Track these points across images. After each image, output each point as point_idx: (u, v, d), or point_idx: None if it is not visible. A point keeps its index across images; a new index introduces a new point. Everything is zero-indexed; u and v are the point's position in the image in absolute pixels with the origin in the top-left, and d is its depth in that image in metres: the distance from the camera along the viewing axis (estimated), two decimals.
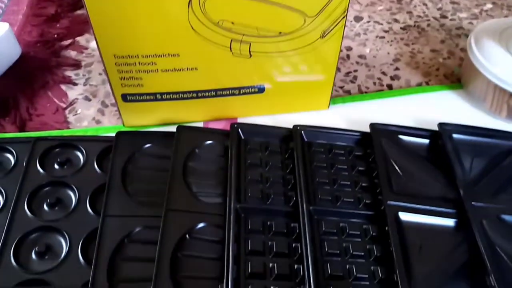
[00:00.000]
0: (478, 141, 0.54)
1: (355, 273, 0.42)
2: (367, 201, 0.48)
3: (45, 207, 0.46)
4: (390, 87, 0.65)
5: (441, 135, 0.53)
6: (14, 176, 0.49)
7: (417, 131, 0.55)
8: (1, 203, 0.46)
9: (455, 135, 0.54)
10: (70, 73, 0.65)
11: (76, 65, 0.66)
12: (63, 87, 0.63)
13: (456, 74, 0.67)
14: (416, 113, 0.60)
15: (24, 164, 0.49)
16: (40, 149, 0.50)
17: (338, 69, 0.66)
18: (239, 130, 0.52)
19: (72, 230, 0.44)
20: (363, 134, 0.54)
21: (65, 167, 0.50)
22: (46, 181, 0.48)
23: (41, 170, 0.49)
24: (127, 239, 0.43)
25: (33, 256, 0.43)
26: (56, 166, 0.50)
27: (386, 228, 0.45)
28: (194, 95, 0.53)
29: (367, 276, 0.42)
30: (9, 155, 0.51)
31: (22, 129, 0.57)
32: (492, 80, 0.57)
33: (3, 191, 0.47)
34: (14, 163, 0.50)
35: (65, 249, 0.43)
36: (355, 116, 0.59)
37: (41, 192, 0.47)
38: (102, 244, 0.42)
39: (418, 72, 0.67)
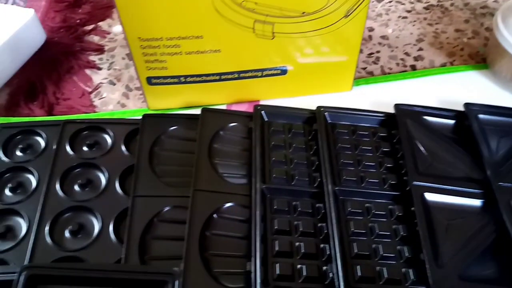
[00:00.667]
0: (505, 121, 0.54)
1: (381, 252, 0.42)
2: (392, 182, 0.48)
3: (77, 187, 0.48)
4: (413, 67, 0.64)
5: (467, 116, 0.53)
6: (45, 158, 0.50)
7: (442, 111, 0.54)
8: (35, 185, 0.48)
9: (481, 116, 0.53)
10: (94, 57, 0.66)
11: (100, 49, 0.67)
12: (87, 71, 0.64)
13: (481, 54, 0.66)
14: (440, 93, 0.59)
15: (54, 146, 0.50)
16: (69, 132, 0.51)
17: (360, 50, 0.65)
18: (262, 112, 0.53)
19: (103, 210, 0.45)
20: (387, 115, 0.54)
21: (94, 149, 0.51)
22: (76, 162, 0.49)
23: (71, 152, 0.50)
24: (156, 219, 0.45)
25: (67, 234, 0.44)
26: (85, 148, 0.51)
27: (412, 208, 0.45)
28: (217, 77, 0.54)
29: (393, 255, 0.42)
30: (39, 138, 0.52)
31: (50, 113, 0.58)
32: None
33: (35, 172, 0.49)
34: (45, 146, 0.51)
35: (97, 228, 0.44)
36: (378, 97, 0.59)
37: (72, 173, 0.48)
38: (133, 223, 0.44)
39: (442, 53, 0.66)
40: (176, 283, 0.38)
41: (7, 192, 0.48)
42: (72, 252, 0.43)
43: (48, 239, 0.43)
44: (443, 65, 0.64)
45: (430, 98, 0.58)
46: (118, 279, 0.38)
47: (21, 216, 0.46)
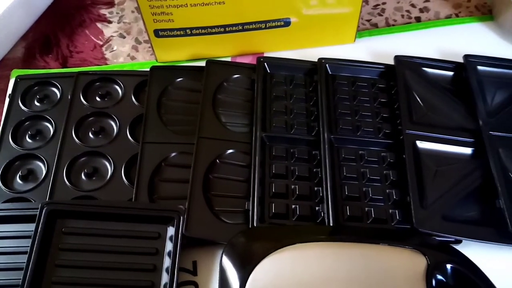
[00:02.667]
0: (504, 73, 0.54)
1: (370, 195, 0.45)
2: (386, 131, 0.50)
3: (90, 135, 0.51)
4: (418, 19, 0.64)
5: (466, 67, 0.54)
6: (61, 107, 0.54)
7: (441, 63, 0.55)
8: (52, 132, 0.52)
9: (480, 67, 0.54)
10: (104, 11, 0.68)
11: (110, 3, 0.68)
12: (98, 25, 0.66)
13: (488, 6, 0.65)
14: (443, 45, 0.60)
15: (69, 97, 0.54)
16: (82, 83, 0.55)
17: (365, 2, 0.65)
18: (265, 64, 0.55)
19: (115, 155, 0.49)
20: (387, 66, 0.55)
21: (106, 99, 0.54)
22: (90, 111, 0.52)
23: (84, 102, 0.53)
24: (164, 163, 0.48)
25: (83, 177, 0.48)
26: (98, 99, 0.54)
27: (404, 156, 0.47)
28: (222, 29, 0.55)
29: (382, 197, 0.45)
30: (55, 89, 0.56)
31: (64, 65, 0.61)
32: None
33: (52, 121, 0.53)
34: (60, 96, 0.55)
35: (110, 171, 0.49)
36: (381, 49, 0.60)
37: (86, 121, 0.52)
38: (142, 166, 0.47)
39: (449, 4, 0.66)
40: (182, 218, 0.42)
41: (27, 138, 0.52)
42: (87, 192, 0.47)
43: (65, 180, 0.47)
44: (448, 16, 0.64)
45: (432, 50, 0.59)
46: (129, 215, 0.43)
47: (41, 160, 0.50)
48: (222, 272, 0.34)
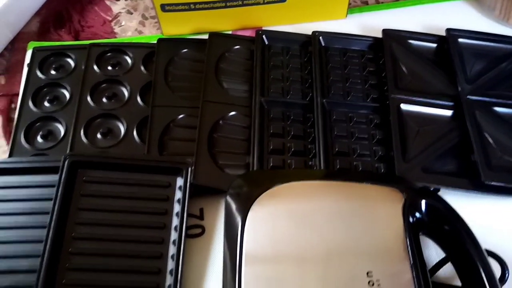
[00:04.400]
0: (483, 45, 0.59)
1: (358, 151, 0.50)
2: (374, 96, 0.55)
3: (104, 99, 0.56)
4: None
5: (447, 39, 0.58)
6: (75, 76, 0.58)
7: (425, 36, 0.60)
8: (68, 97, 0.57)
9: (460, 40, 0.59)
10: None
11: None
12: (107, 2, 0.70)
13: None
14: (428, 21, 0.64)
15: (83, 66, 0.58)
16: (95, 53, 0.59)
17: None
18: (263, 36, 0.59)
19: (127, 117, 0.54)
20: (375, 39, 0.60)
21: (117, 68, 0.59)
22: (102, 78, 0.57)
23: (97, 70, 0.58)
24: (172, 124, 0.53)
25: (99, 136, 0.53)
26: (109, 67, 0.59)
27: (389, 117, 0.52)
28: (223, 4, 0.60)
29: (368, 153, 0.51)
30: (69, 60, 0.60)
31: (76, 39, 0.65)
32: None
33: (68, 87, 0.57)
34: (74, 66, 0.59)
35: (123, 131, 0.53)
36: (370, 24, 0.64)
37: (99, 87, 0.57)
38: (152, 127, 0.52)
39: None
40: (189, 169, 0.47)
41: (45, 103, 0.56)
42: (103, 149, 0.52)
43: (83, 139, 0.52)
44: None
45: (418, 25, 0.63)
46: (143, 166, 0.48)
47: (59, 122, 0.55)
48: (227, 207, 0.39)
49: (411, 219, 0.40)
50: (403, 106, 0.53)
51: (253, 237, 0.36)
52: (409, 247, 0.36)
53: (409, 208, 0.38)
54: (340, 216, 0.37)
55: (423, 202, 0.39)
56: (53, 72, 0.59)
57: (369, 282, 0.34)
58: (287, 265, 0.35)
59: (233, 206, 0.39)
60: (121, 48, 0.60)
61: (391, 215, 0.37)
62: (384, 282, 0.34)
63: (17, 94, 0.58)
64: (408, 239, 0.36)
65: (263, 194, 0.38)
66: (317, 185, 0.40)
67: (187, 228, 0.46)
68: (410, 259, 0.36)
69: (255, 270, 0.35)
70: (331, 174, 0.46)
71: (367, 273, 0.34)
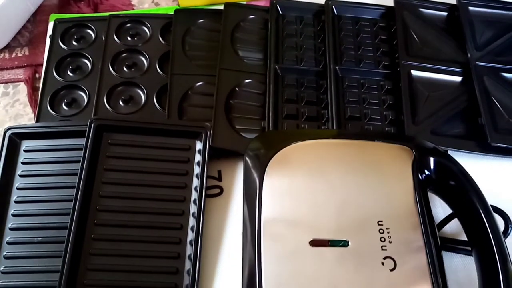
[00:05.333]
0: (493, 13, 0.60)
1: (370, 115, 0.52)
2: (385, 63, 0.57)
3: (125, 68, 0.58)
4: None
5: (458, 8, 0.59)
6: (96, 46, 0.60)
7: (436, 4, 0.61)
8: (90, 66, 0.59)
9: (471, 8, 0.60)
10: None
11: None
12: None
13: None
14: None
15: (103, 37, 0.61)
16: (115, 24, 0.61)
17: None
18: (278, 6, 0.61)
19: (147, 85, 0.57)
20: (387, 8, 0.61)
21: (136, 38, 0.61)
22: (123, 48, 0.59)
23: (117, 41, 0.60)
24: (190, 91, 0.55)
25: (121, 103, 0.56)
26: (129, 38, 0.61)
27: (400, 83, 0.54)
28: None
29: (379, 117, 0.53)
30: (90, 31, 0.62)
31: (95, 11, 0.67)
32: None
33: (90, 57, 0.60)
34: (95, 37, 0.61)
35: (143, 98, 0.56)
36: None
37: (120, 57, 0.59)
38: (172, 94, 0.55)
39: None
40: (208, 133, 0.50)
41: (69, 72, 0.59)
42: (125, 115, 0.55)
43: (106, 105, 0.55)
44: None
45: None
46: (164, 129, 0.50)
47: (83, 90, 0.57)
48: (246, 166, 0.42)
49: (420, 176, 0.42)
50: (414, 72, 0.55)
51: (271, 193, 0.38)
52: (417, 201, 0.39)
53: (418, 165, 0.40)
54: (353, 172, 0.40)
55: (432, 159, 0.41)
56: (74, 43, 0.61)
57: (379, 230, 0.36)
58: (303, 216, 0.37)
59: (251, 164, 0.41)
60: (139, 19, 0.62)
61: (401, 171, 0.39)
62: (394, 231, 0.36)
63: (41, 65, 0.61)
64: (417, 194, 0.38)
65: (279, 152, 0.40)
66: (331, 143, 0.42)
67: (207, 188, 0.49)
68: (419, 212, 0.38)
69: (273, 222, 0.37)
70: (343, 133, 0.48)
71: (378, 222, 0.36)
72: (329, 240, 0.36)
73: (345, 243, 0.36)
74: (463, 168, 0.42)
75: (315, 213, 0.37)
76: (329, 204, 0.37)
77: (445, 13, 0.61)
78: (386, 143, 0.42)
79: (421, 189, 0.40)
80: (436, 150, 0.42)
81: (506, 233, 0.44)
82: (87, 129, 0.49)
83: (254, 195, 0.38)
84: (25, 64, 0.62)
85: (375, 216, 0.37)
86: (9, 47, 0.64)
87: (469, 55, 0.56)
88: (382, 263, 0.35)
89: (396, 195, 0.38)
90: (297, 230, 0.36)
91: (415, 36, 0.58)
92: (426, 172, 0.42)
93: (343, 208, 0.37)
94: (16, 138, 0.51)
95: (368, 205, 0.38)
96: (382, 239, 0.36)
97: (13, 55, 0.63)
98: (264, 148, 0.42)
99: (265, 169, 0.39)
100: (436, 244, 0.37)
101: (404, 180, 0.39)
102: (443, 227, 0.45)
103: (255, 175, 0.40)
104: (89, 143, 0.48)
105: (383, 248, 0.35)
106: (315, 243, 0.35)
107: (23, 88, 0.61)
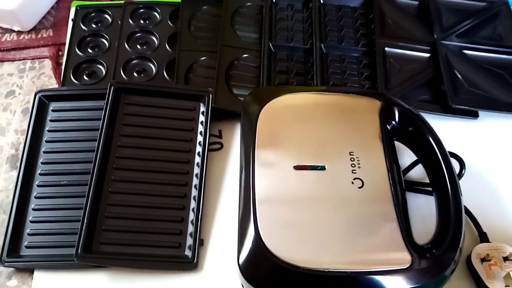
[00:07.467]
0: (458, 2, 0.70)
1: (349, 84, 0.61)
2: (364, 42, 0.66)
3: (138, 46, 0.67)
4: None
5: None
6: (112, 29, 0.69)
7: None
8: (108, 45, 0.68)
9: None
10: None
11: None
12: None
13: None
14: None
15: (119, 21, 0.69)
16: (129, 10, 0.70)
17: None
18: None
19: (158, 59, 0.65)
20: None
21: (147, 22, 0.70)
22: (136, 29, 0.68)
23: (132, 23, 0.69)
24: (195, 64, 0.64)
25: (135, 74, 0.64)
26: (142, 21, 0.70)
27: (375, 58, 0.63)
28: None
29: (357, 86, 0.61)
30: (107, 16, 0.71)
31: None
32: None
33: (107, 37, 0.68)
34: (111, 21, 0.70)
35: (154, 71, 0.64)
36: None
37: (134, 36, 0.68)
38: (179, 66, 0.63)
39: None
40: (211, 96, 0.58)
41: (89, 49, 0.67)
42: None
43: (123, 76, 0.63)
44: None
45: None
46: (173, 92, 0.59)
47: (101, 64, 0.66)
48: (243, 111, 0.50)
49: (388, 126, 0.50)
50: (388, 49, 0.64)
51: (263, 131, 0.47)
52: (382, 137, 0.47)
53: (385, 113, 0.49)
54: (331, 116, 0.48)
55: (397, 109, 0.50)
56: (93, 25, 0.70)
57: (351, 159, 0.44)
58: (289, 147, 0.46)
59: (248, 110, 0.50)
60: (151, 6, 0.71)
61: (371, 116, 0.48)
62: (362, 159, 0.44)
63: (64, 44, 0.70)
64: (382, 133, 0.47)
65: (270, 101, 0.49)
66: (313, 96, 0.51)
67: (209, 144, 0.57)
68: (383, 145, 0.46)
69: (265, 153, 0.45)
70: (324, 89, 0.57)
71: (350, 152, 0.45)
72: (309, 165, 0.44)
73: (322, 167, 0.44)
74: (423, 117, 0.50)
75: (298, 145, 0.45)
76: (310, 138, 0.46)
77: (417, 2, 0.70)
78: (359, 96, 0.50)
79: (387, 134, 0.48)
80: (401, 103, 0.50)
81: (460, 174, 0.52)
82: (107, 91, 0.57)
83: (249, 134, 0.47)
84: (50, 43, 0.71)
85: (347, 148, 0.45)
86: (35, 29, 0.73)
87: (435, 36, 0.65)
88: (352, 182, 0.43)
89: (365, 133, 0.47)
90: (284, 158, 0.44)
91: (389, 21, 0.67)
92: (393, 123, 0.50)
93: (322, 142, 0.46)
94: (45, 99, 0.59)
95: (341, 140, 0.46)
96: (353, 165, 0.44)
97: (39, 36, 0.72)
98: (258, 98, 0.50)
99: (259, 114, 0.48)
100: (398, 172, 0.45)
101: (372, 122, 0.47)
102: (408, 172, 0.53)
103: (250, 118, 0.48)
104: (109, 103, 0.56)
105: (353, 171, 0.43)
106: (298, 167, 0.44)
107: (48, 63, 0.69)
